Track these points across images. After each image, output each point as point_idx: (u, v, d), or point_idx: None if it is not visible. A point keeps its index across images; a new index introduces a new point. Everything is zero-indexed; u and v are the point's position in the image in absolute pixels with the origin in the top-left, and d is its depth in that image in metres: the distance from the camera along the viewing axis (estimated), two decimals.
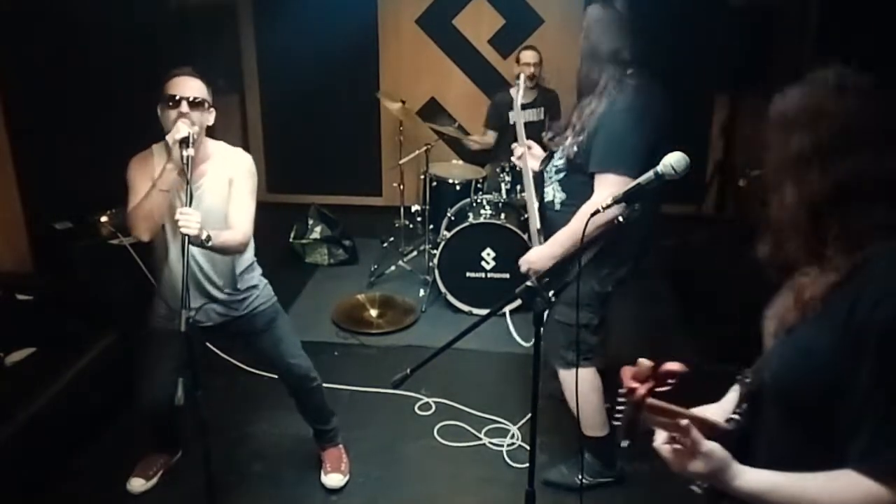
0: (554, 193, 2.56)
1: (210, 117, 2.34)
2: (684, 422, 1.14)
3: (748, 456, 1.19)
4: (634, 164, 2.26)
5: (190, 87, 2.26)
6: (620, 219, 1.86)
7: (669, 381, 1.21)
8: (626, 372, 1.21)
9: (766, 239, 1.24)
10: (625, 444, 1.22)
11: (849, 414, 1.09)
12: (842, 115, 1.13)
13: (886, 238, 1.11)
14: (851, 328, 1.08)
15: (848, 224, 1.13)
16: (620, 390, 1.21)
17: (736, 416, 1.31)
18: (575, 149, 2.42)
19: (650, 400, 1.17)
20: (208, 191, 2.36)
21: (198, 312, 2.49)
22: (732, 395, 1.40)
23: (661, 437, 1.21)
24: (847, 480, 1.08)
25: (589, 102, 2.42)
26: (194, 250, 2.28)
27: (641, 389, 1.18)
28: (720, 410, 1.37)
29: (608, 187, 2.28)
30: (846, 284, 1.11)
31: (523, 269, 2.57)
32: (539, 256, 2.52)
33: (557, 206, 2.55)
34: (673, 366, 1.22)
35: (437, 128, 4.78)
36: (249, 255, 2.58)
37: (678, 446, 1.16)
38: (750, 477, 1.14)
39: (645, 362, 1.20)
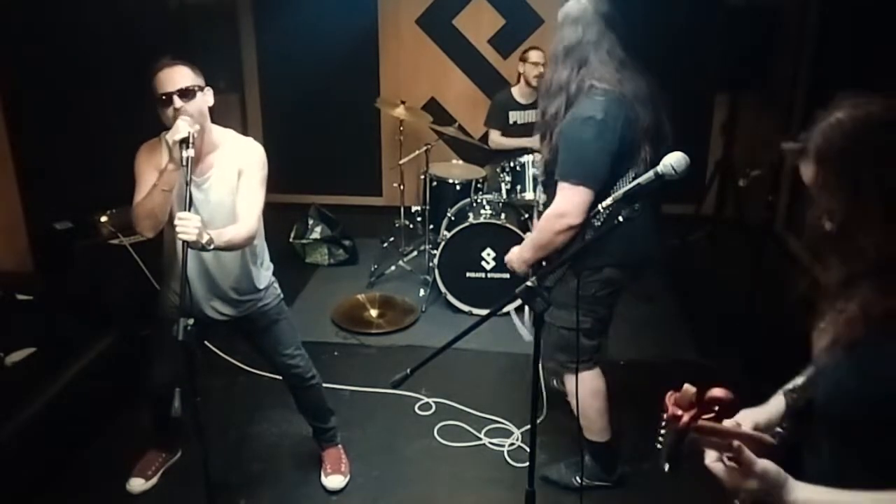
0: (539, 194, 2.61)
1: (208, 99, 2.27)
2: (736, 443, 1.11)
3: (795, 469, 1.16)
4: (591, 174, 2.27)
5: (175, 78, 2.18)
6: (620, 218, 1.87)
7: (714, 407, 1.17)
8: (670, 398, 1.18)
9: (826, 246, 1.17)
10: (667, 468, 1.19)
11: None
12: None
13: None
14: None
15: None
16: (664, 415, 1.18)
17: (782, 431, 1.28)
18: (548, 155, 2.43)
19: (701, 422, 1.14)
20: (216, 183, 2.31)
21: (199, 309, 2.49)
22: (776, 401, 1.35)
23: (711, 456, 1.18)
24: None
25: (552, 106, 2.38)
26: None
27: (685, 417, 1.15)
28: (765, 416, 1.33)
29: (566, 196, 2.30)
30: None
31: (508, 265, 2.61)
32: (514, 257, 2.57)
33: (541, 207, 2.63)
34: (718, 392, 1.17)
35: (438, 128, 4.78)
36: (261, 255, 2.55)
37: (732, 465, 1.13)
38: (804, 494, 1.11)
39: (689, 388, 1.16)
